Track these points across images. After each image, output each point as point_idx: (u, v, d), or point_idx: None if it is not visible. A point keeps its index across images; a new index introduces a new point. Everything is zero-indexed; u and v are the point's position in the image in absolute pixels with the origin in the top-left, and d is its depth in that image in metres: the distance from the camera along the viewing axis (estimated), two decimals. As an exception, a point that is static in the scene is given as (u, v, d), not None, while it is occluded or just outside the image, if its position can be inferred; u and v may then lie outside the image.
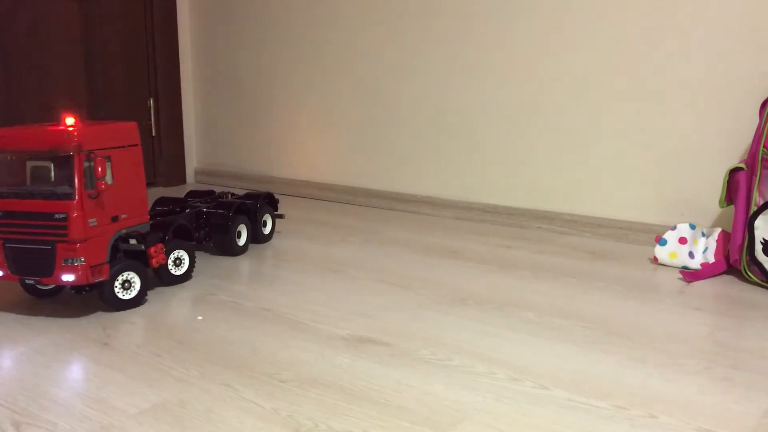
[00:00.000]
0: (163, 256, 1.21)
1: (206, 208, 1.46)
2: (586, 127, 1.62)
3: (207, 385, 0.88)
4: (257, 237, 1.55)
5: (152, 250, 1.19)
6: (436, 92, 1.83)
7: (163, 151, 2.28)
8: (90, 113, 2.10)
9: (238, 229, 1.47)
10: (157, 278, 1.27)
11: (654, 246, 1.51)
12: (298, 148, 2.15)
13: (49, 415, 0.81)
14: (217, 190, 1.98)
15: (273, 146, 2.21)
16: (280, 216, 1.60)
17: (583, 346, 1.00)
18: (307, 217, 1.86)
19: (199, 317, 1.12)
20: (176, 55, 2.29)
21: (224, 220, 1.44)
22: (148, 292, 1.23)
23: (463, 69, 1.78)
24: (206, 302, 1.19)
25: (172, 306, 1.17)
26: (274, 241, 1.59)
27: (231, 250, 1.46)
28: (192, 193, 1.60)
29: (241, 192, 1.77)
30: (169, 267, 1.26)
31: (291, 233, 1.67)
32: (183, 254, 1.28)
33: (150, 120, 2.26)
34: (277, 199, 1.61)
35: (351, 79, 1.99)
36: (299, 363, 0.94)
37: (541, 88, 1.66)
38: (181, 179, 2.35)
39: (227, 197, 1.56)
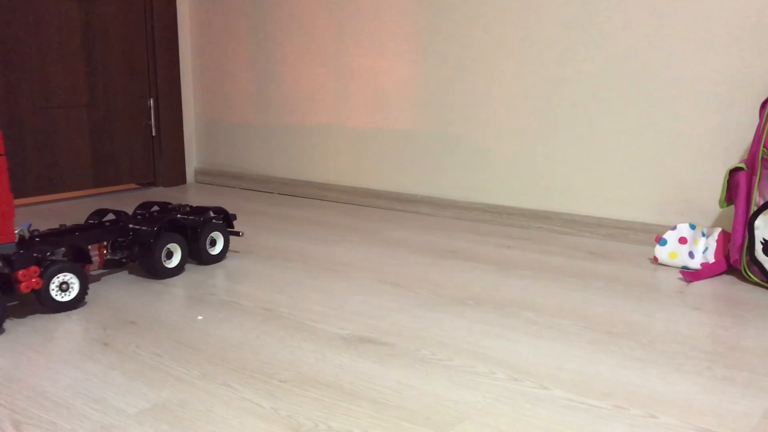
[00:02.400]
0: (38, 280, 1.06)
1: (132, 223, 1.29)
2: (586, 127, 1.62)
3: (207, 385, 0.88)
4: (200, 257, 1.36)
5: (20, 273, 1.04)
6: (436, 92, 1.83)
7: (163, 151, 2.28)
8: (90, 113, 2.10)
9: (168, 248, 1.29)
10: (41, 305, 1.12)
11: (654, 246, 1.51)
12: (299, 148, 2.15)
13: (49, 415, 0.81)
14: (217, 190, 1.94)
15: (273, 146, 2.21)
16: (236, 233, 1.43)
17: (583, 346, 1.00)
18: (306, 217, 1.85)
19: (199, 317, 1.12)
20: (176, 55, 2.29)
21: (148, 237, 1.25)
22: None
23: (463, 69, 1.78)
24: (206, 302, 1.19)
25: (172, 306, 1.17)
26: (274, 241, 1.59)
27: (154, 271, 1.28)
28: (144, 205, 1.41)
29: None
30: (52, 292, 1.10)
31: (291, 233, 1.67)
32: (71, 278, 1.12)
33: (150, 120, 2.26)
34: (233, 215, 1.44)
35: (350, 79, 1.99)
36: (299, 363, 0.94)
37: (541, 89, 1.66)
38: (181, 179, 2.35)
39: (185, 210, 1.42)
